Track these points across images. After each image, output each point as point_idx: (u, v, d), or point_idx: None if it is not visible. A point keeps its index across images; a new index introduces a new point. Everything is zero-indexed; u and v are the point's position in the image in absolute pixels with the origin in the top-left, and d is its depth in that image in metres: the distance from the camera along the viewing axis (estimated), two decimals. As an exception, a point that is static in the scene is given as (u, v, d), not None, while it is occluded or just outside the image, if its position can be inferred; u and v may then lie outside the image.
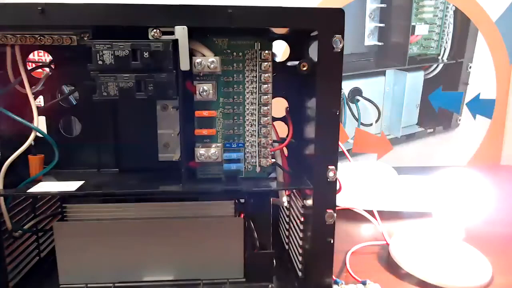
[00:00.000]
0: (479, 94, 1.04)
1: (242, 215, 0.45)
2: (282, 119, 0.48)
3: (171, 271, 0.45)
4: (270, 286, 0.45)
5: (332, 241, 0.41)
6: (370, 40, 0.97)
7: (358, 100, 1.00)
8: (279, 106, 0.47)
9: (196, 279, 0.45)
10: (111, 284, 0.44)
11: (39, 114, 0.41)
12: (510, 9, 0.99)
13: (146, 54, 0.36)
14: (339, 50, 0.37)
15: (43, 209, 0.50)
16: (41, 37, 0.37)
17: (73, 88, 0.46)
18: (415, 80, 1.01)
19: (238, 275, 0.45)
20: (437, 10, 0.97)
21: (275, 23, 0.37)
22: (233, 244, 0.45)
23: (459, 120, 1.05)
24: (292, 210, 0.49)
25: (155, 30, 0.36)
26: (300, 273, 0.45)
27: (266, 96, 0.41)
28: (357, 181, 0.80)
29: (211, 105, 0.41)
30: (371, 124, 1.02)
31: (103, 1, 0.35)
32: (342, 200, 0.69)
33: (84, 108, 0.47)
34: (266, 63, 0.41)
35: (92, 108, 0.46)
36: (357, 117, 1.00)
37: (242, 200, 0.46)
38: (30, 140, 0.40)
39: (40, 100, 0.47)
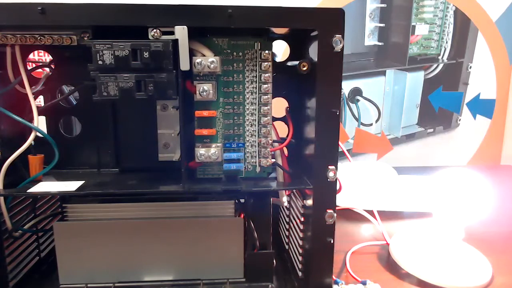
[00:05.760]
0: (479, 94, 1.04)
1: (242, 215, 0.45)
2: (282, 119, 0.47)
3: (171, 271, 0.45)
4: (270, 286, 0.45)
5: (332, 241, 0.41)
6: (370, 40, 0.97)
7: (358, 100, 1.00)
8: (279, 106, 0.47)
9: (196, 279, 0.45)
10: (111, 284, 0.44)
11: (39, 114, 0.41)
12: (510, 9, 0.99)
13: (146, 54, 0.36)
14: (339, 50, 0.37)
15: (43, 209, 0.50)
16: (41, 37, 0.37)
17: (73, 88, 0.46)
18: (415, 80, 1.01)
19: (238, 275, 0.45)
20: (437, 10, 0.97)
21: (275, 23, 0.37)
22: (233, 244, 0.45)
23: (459, 120, 1.05)
24: (292, 210, 0.49)
25: (155, 30, 0.36)
26: (300, 273, 0.45)
27: (266, 96, 0.41)
28: (357, 181, 0.80)
29: (211, 105, 0.41)
30: (371, 124, 1.02)
31: (103, 1, 0.35)
32: (342, 200, 0.69)
33: (84, 108, 0.47)
34: (266, 63, 0.41)
35: (92, 108, 0.46)
36: (357, 117, 1.00)
37: (242, 200, 0.46)
38: (30, 140, 0.40)
39: (40, 100, 0.47)
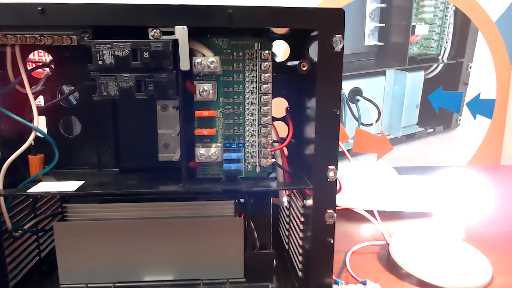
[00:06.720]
0: (479, 94, 1.04)
1: (242, 215, 0.45)
2: (282, 119, 0.47)
3: (171, 271, 0.45)
4: (270, 286, 0.45)
5: (332, 241, 0.41)
6: (370, 40, 0.97)
7: (358, 100, 1.00)
8: (279, 106, 0.47)
9: (196, 279, 0.45)
10: (111, 284, 0.44)
11: (39, 114, 0.41)
12: (510, 9, 0.99)
13: (146, 54, 0.36)
14: (339, 50, 0.37)
15: (43, 209, 0.50)
16: (41, 37, 0.37)
17: (73, 88, 0.46)
18: (415, 80, 1.01)
19: (238, 275, 0.45)
20: (437, 10, 0.97)
21: (275, 23, 0.37)
22: (233, 244, 0.45)
23: (459, 120, 1.05)
24: (292, 210, 0.49)
25: (155, 30, 0.36)
26: (300, 273, 0.45)
27: (266, 96, 0.41)
28: (357, 181, 0.80)
29: (211, 105, 0.41)
30: (371, 124, 1.02)
31: (103, 1, 0.35)
32: (342, 200, 0.69)
33: (84, 108, 0.47)
34: (266, 63, 0.41)
35: (92, 108, 0.46)
36: (357, 117, 1.00)
37: (242, 200, 0.46)
38: (30, 140, 0.40)
39: (40, 100, 0.47)
